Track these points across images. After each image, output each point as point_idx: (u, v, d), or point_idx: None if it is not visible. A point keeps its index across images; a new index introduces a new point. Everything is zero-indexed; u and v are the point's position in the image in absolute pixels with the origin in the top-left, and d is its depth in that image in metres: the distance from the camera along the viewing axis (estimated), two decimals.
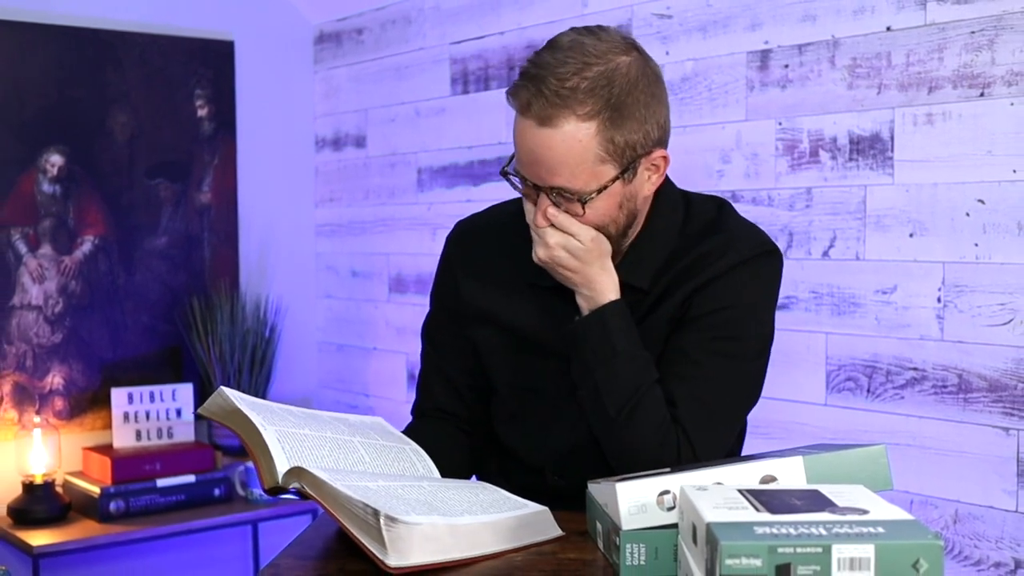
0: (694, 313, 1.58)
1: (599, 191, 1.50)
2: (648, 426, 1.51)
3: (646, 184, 1.57)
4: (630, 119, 1.48)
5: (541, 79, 1.46)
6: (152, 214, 3.57)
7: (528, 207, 1.57)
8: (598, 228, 1.54)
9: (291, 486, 1.29)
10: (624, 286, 1.60)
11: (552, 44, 1.51)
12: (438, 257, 1.81)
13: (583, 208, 1.51)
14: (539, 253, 1.55)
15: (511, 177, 1.57)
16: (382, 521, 1.18)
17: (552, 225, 1.53)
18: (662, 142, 1.55)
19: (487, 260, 1.73)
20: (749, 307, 1.59)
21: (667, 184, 1.66)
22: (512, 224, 1.71)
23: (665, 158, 1.56)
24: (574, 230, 1.53)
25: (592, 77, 1.46)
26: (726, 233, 1.61)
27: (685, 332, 1.58)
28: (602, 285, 1.56)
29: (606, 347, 1.53)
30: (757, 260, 1.61)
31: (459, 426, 1.77)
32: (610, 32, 1.53)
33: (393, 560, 1.19)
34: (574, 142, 1.47)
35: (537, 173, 1.50)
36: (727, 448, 1.61)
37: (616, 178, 1.51)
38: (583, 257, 1.54)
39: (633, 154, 1.51)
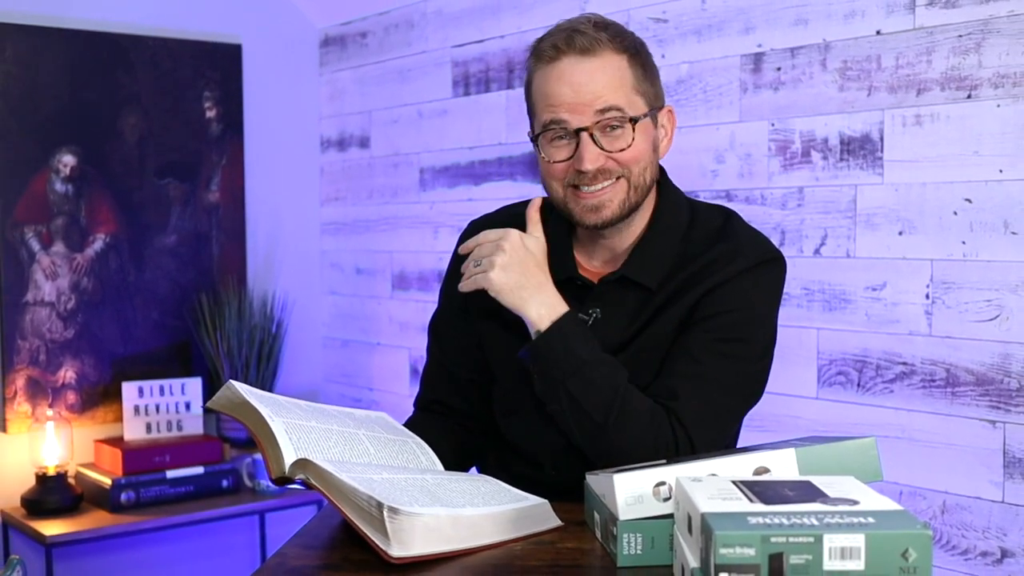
0: (699, 315, 1.58)
1: (643, 117, 1.58)
2: (639, 424, 1.50)
3: (662, 142, 1.65)
4: (647, 68, 1.61)
5: (573, 27, 1.57)
6: (162, 213, 3.57)
7: (556, 172, 1.59)
8: (639, 166, 1.58)
9: (297, 477, 1.29)
10: (632, 284, 1.62)
11: (558, 24, 1.62)
12: (440, 254, 1.82)
13: (633, 131, 1.56)
14: (481, 283, 1.56)
15: (542, 137, 1.59)
16: (385, 512, 1.18)
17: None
18: (665, 104, 1.65)
19: None
20: (753, 311, 1.60)
21: (674, 188, 1.69)
22: (520, 223, 1.73)
23: (672, 114, 1.66)
24: (499, 244, 1.57)
25: (611, 30, 1.59)
26: (733, 241, 1.62)
27: (690, 333, 1.58)
28: (551, 297, 1.56)
29: (572, 358, 1.52)
30: (762, 267, 1.61)
31: (458, 420, 1.77)
32: None
33: (396, 551, 1.19)
34: (615, 67, 1.56)
35: (583, 102, 1.55)
36: (723, 444, 1.61)
37: (647, 115, 1.59)
38: (519, 264, 1.56)
39: (655, 100, 1.61)
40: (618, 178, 1.57)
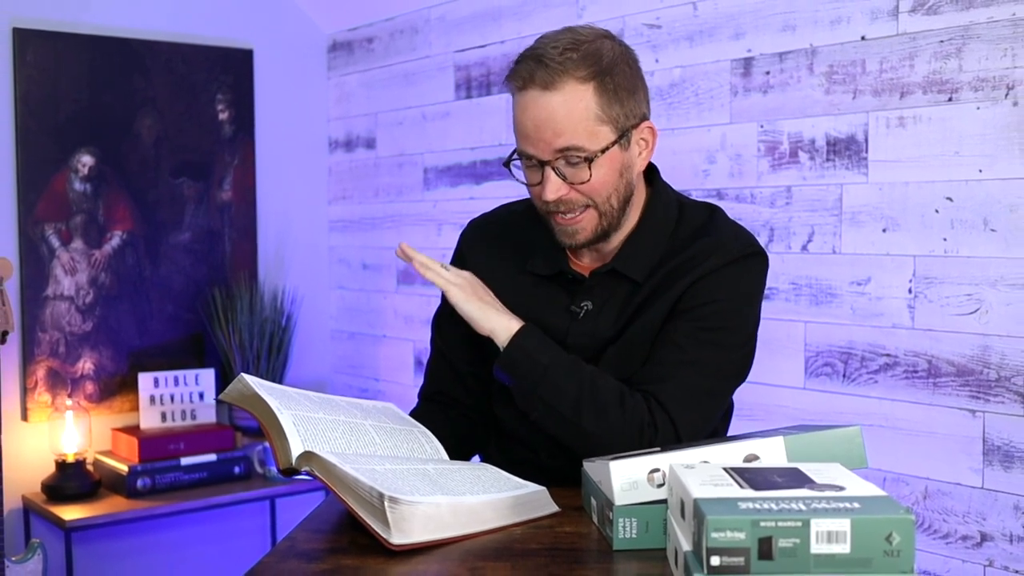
0: (684, 306, 1.58)
1: (603, 151, 1.52)
2: (613, 410, 1.50)
3: (638, 159, 1.60)
4: (620, 88, 1.53)
5: (540, 54, 1.52)
6: (176, 211, 3.57)
7: (534, 195, 1.59)
8: (601, 196, 1.55)
9: (303, 468, 1.28)
10: (621, 277, 1.62)
11: (543, 35, 1.58)
12: (443, 251, 1.82)
13: (590, 169, 1.52)
14: (445, 288, 1.58)
15: (513, 166, 1.59)
16: (386, 502, 1.18)
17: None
18: (646, 117, 1.60)
19: (494, 253, 1.74)
20: (734, 302, 1.60)
21: (664, 187, 1.69)
22: (519, 220, 1.75)
23: (652, 130, 1.60)
24: (447, 276, 1.58)
25: (583, 50, 1.52)
26: (716, 236, 1.62)
27: (675, 322, 1.58)
28: (506, 315, 1.57)
29: (535, 366, 1.53)
30: (743, 260, 1.61)
31: (461, 410, 1.77)
32: (591, 25, 1.61)
33: (396, 539, 1.19)
34: (576, 101, 1.50)
35: (543, 139, 1.52)
36: (709, 427, 1.61)
37: (615, 142, 1.53)
38: (471, 284, 1.59)
39: (626, 122, 1.54)
40: (586, 207, 1.57)
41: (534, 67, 1.51)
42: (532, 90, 1.51)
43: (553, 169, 1.53)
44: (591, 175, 1.52)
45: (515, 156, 1.58)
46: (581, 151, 1.51)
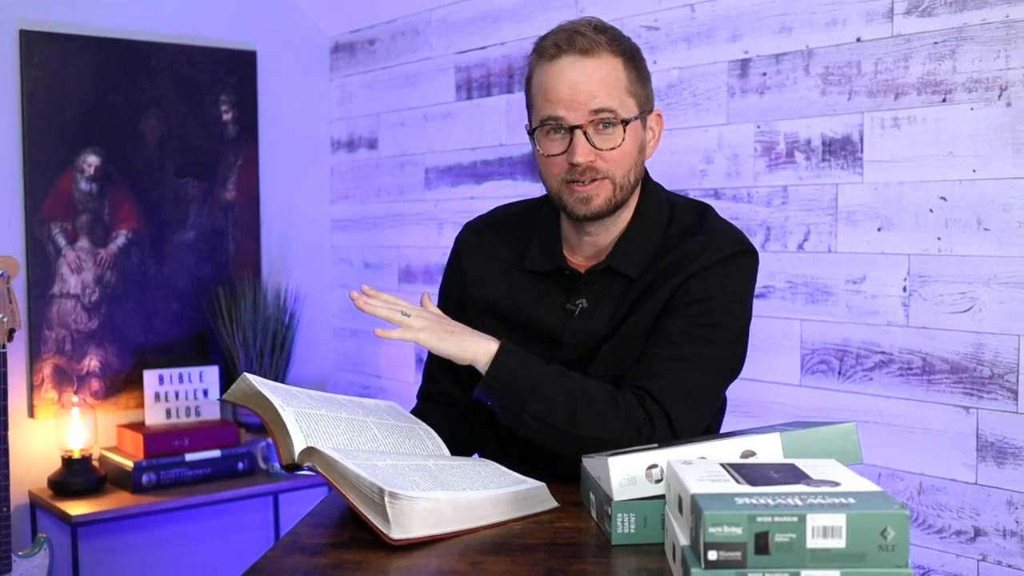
0: (676, 303, 1.59)
1: (633, 119, 1.58)
2: (607, 413, 1.49)
3: (648, 144, 1.64)
4: (641, 71, 1.61)
5: (575, 29, 1.58)
6: (181, 210, 3.57)
7: (552, 166, 1.59)
8: (623, 168, 1.58)
9: (305, 464, 1.28)
10: (616, 275, 1.62)
11: (562, 23, 1.63)
12: (444, 249, 1.82)
13: (624, 130, 1.56)
14: (411, 339, 1.52)
15: (538, 130, 1.59)
16: (386, 498, 1.18)
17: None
18: (654, 108, 1.66)
19: (490, 253, 1.74)
20: (726, 299, 1.60)
21: (655, 186, 1.70)
22: (515, 220, 1.75)
23: (661, 119, 1.66)
24: (413, 324, 1.52)
25: (610, 33, 1.60)
26: (707, 234, 1.63)
27: (668, 319, 1.59)
28: (481, 337, 1.54)
29: (522, 383, 1.51)
30: (734, 258, 1.61)
31: (459, 410, 1.76)
32: None
33: (396, 533, 1.19)
34: (611, 69, 1.57)
35: (579, 101, 1.55)
36: (704, 422, 1.60)
37: (638, 116, 1.59)
38: (435, 320, 1.54)
39: (646, 103, 1.61)
40: (604, 178, 1.58)
41: (572, 36, 1.56)
42: (569, 55, 1.56)
43: (584, 134, 1.55)
44: (623, 139, 1.56)
45: (538, 127, 1.59)
46: (615, 114, 1.55)
